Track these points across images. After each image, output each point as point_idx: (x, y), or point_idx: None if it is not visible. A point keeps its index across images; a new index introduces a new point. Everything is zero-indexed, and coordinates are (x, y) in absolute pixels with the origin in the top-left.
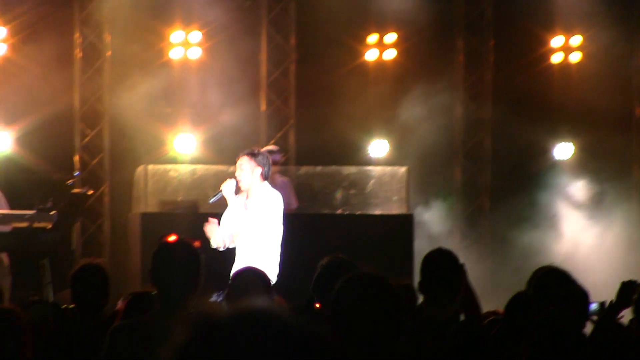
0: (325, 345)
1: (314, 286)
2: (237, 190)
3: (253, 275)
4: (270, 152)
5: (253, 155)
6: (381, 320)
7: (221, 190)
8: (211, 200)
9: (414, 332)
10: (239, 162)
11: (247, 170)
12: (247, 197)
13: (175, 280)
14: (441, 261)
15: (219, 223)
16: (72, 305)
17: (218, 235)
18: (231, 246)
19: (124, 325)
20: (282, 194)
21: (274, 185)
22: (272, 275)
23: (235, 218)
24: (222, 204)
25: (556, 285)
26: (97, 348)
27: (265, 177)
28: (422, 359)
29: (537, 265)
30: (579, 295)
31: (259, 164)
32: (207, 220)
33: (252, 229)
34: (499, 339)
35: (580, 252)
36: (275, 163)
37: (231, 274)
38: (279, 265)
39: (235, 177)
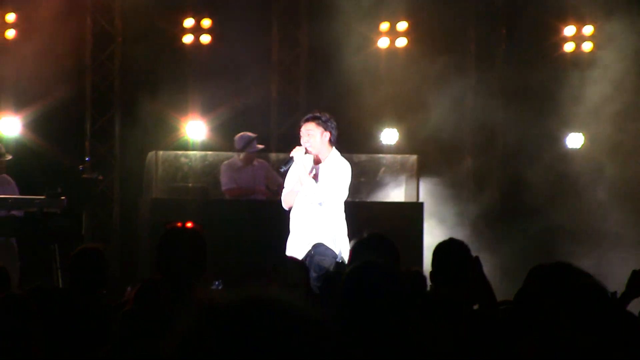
0: (323, 329)
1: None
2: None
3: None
4: (251, 139)
5: (320, 120)
6: (387, 308)
7: (292, 158)
8: (283, 169)
9: (424, 313)
10: (305, 128)
11: (316, 135)
12: (316, 163)
13: (181, 266)
14: (453, 252)
15: (283, 185)
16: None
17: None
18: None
19: (134, 311)
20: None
21: (252, 166)
22: (345, 242)
23: (304, 183)
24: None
25: (555, 279)
26: (91, 329)
27: (333, 142)
28: (435, 340)
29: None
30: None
31: (327, 129)
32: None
33: (323, 193)
34: (510, 324)
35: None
36: (253, 152)
37: (300, 241)
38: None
39: (302, 144)
